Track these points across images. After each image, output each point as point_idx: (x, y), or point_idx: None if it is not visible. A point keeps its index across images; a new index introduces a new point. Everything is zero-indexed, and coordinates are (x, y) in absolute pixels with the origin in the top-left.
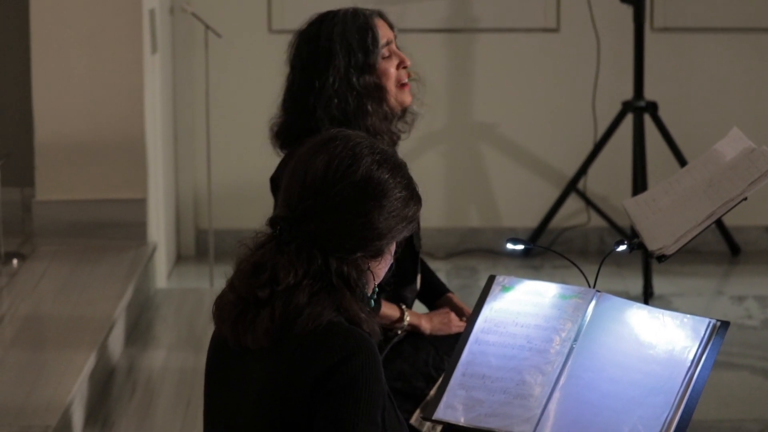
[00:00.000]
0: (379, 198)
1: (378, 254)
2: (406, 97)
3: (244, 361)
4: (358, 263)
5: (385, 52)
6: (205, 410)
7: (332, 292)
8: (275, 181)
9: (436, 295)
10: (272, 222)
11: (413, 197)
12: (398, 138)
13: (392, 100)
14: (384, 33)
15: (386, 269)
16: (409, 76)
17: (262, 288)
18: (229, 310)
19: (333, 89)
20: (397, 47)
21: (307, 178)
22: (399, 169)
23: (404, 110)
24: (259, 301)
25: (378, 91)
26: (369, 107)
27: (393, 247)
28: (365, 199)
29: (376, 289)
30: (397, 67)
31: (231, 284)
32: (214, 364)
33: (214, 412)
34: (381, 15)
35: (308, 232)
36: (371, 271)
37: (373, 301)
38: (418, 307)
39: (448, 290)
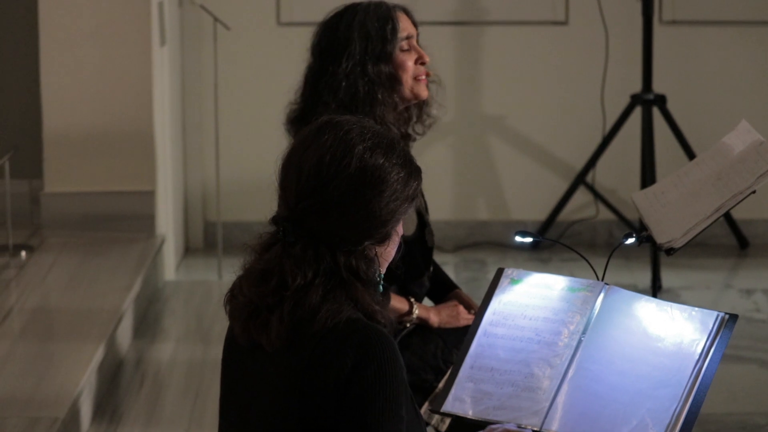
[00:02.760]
0: (377, 185)
1: (385, 239)
2: (422, 90)
3: (255, 359)
4: (365, 253)
5: (404, 45)
6: (220, 403)
7: (345, 287)
8: None
9: (443, 291)
10: (274, 221)
11: (412, 174)
12: (414, 140)
13: (406, 91)
14: (405, 26)
15: (395, 250)
16: (428, 75)
17: (272, 295)
18: (240, 310)
19: (344, 74)
20: (419, 45)
21: (302, 176)
22: (393, 148)
23: (421, 110)
24: (268, 306)
25: (391, 81)
26: (379, 95)
27: (400, 228)
28: (364, 190)
29: (381, 275)
30: (416, 62)
31: (240, 288)
32: (227, 358)
33: (227, 407)
34: (406, 11)
35: (311, 230)
36: (380, 257)
37: (381, 287)
38: (425, 302)
39: (456, 286)
